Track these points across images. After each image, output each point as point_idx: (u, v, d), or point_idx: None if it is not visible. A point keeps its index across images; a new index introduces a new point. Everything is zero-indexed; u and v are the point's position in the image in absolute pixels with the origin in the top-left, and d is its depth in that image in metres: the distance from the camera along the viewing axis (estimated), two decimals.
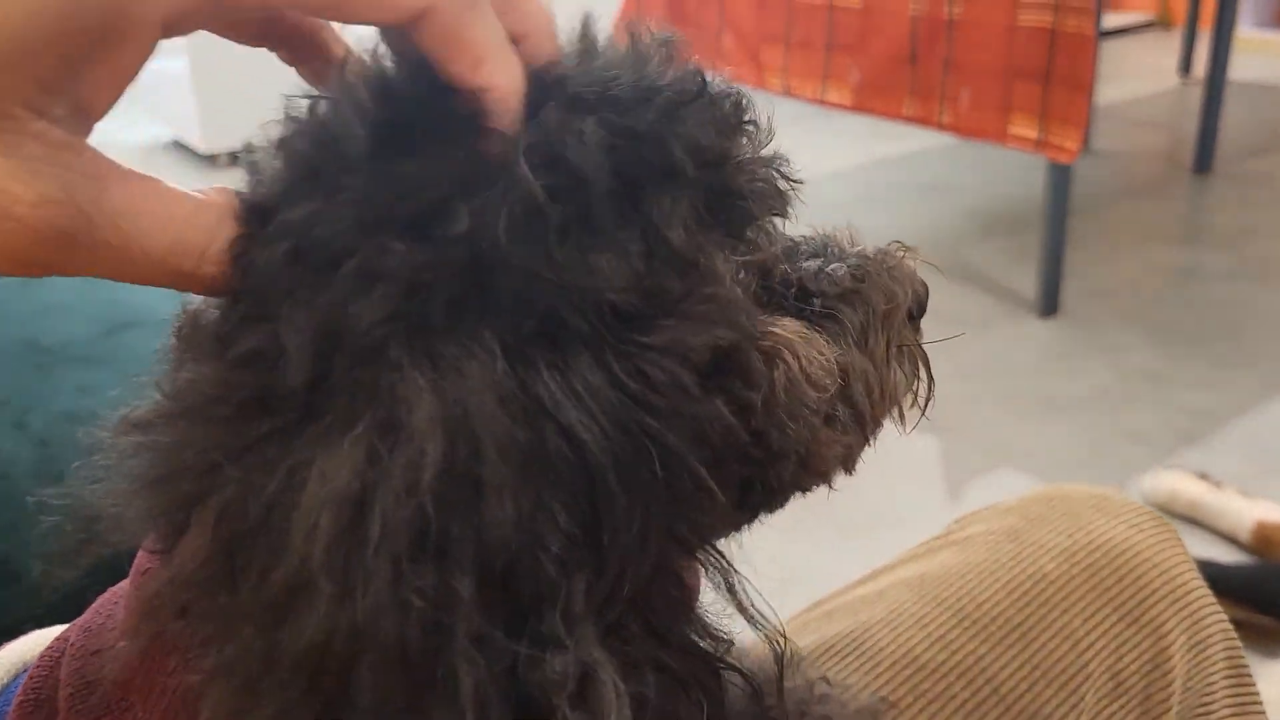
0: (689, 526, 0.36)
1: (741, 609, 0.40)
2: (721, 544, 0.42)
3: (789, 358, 0.40)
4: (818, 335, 0.42)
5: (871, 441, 0.48)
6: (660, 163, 0.36)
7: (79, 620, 0.45)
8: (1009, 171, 3.48)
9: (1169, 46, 5.06)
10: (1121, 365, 2.24)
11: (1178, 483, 1.75)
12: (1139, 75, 4.78)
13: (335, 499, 0.30)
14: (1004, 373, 2.24)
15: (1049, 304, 2.47)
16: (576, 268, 0.34)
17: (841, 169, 3.66)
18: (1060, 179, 2.36)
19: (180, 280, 0.33)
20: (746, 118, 0.41)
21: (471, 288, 0.32)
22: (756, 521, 0.46)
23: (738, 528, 0.45)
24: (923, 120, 2.48)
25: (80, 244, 0.30)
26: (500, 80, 0.35)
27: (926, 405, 0.50)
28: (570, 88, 0.36)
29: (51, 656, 0.44)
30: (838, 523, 1.71)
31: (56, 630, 0.47)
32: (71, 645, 0.43)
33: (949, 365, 2.25)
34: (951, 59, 2.37)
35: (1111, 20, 5.52)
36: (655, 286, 0.35)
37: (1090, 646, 0.63)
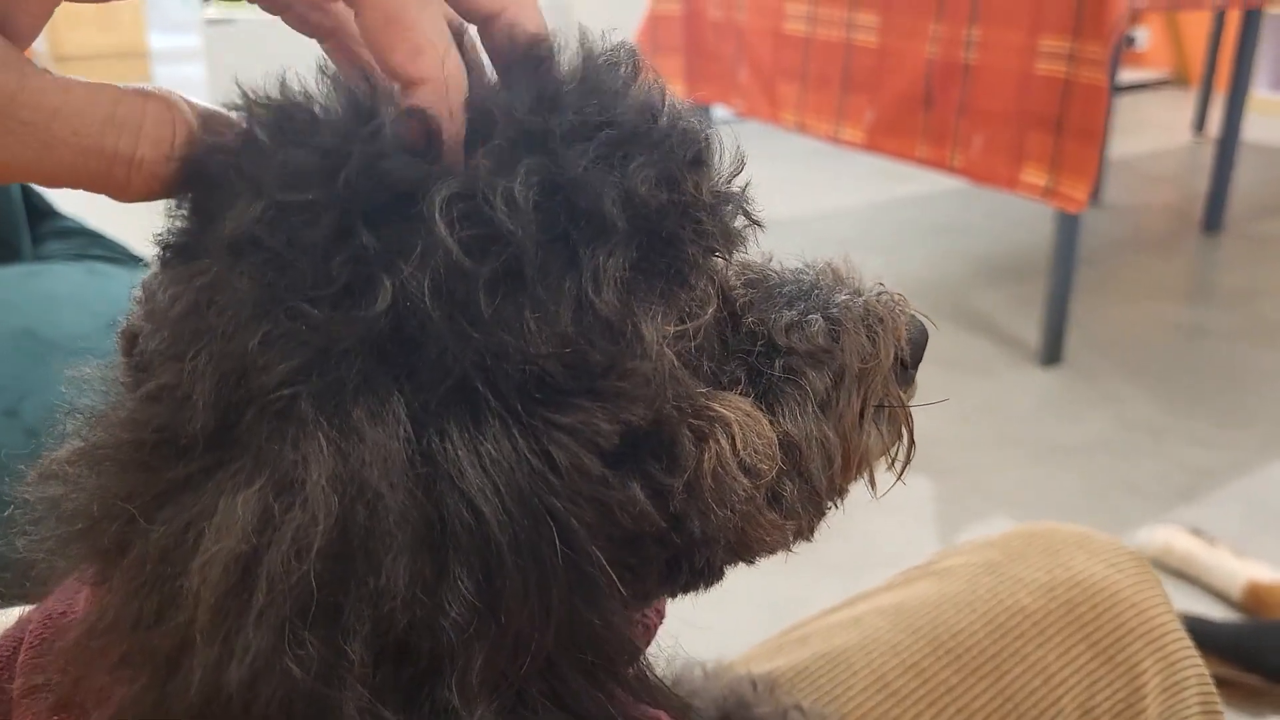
0: (593, 604, 0.34)
1: (648, 690, 0.38)
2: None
3: (721, 441, 0.37)
4: (761, 415, 0.39)
5: (833, 509, 0.45)
6: (592, 215, 0.34)
7: (45, 604, 0.44)
8: (1018, 219, 3.49)
9: (1184, 104, 5.08)
10: (1122, 418, 2.24)
11: (1172, 538, 1.74)
12: (1153, 131, 4.80)
13: (223, 559, 0.30)
14: (1004, 419, 2.23)
15: (1052, 353, 2.47)
16: (498, 332, 0.32)
17: (851, 207, 3.67)
18: (1068, 228, 2.37)
19: (113, 168, 0.32)
20: (698, 154, 0.38)
21: (386, 350, 0.32)
22: (696, 590, 0.44)
23: (674, 595, 0.44)
24: (935, 163, 2.49)
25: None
26: (435, 74, 0.34)
27: (904, 470, 0.48)
28: (509, 123, 0.34)
29: (9, 645, 0.43)
30: (829, 560, 1.71)
31: (17, 611, 0.46)
32: (32, 632, 0.42)
33: (949, 408, 2.24)
34: (966, 103, 2.38)
35: (1128, 76, 5.55)
36: (577, 357, 0.33)
37: (1063, 682, 0.62)
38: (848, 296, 0.45)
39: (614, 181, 0.34)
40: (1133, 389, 2.36)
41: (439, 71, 0.34)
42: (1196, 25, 5.42)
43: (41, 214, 1.08)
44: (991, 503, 1.92)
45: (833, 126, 2.71)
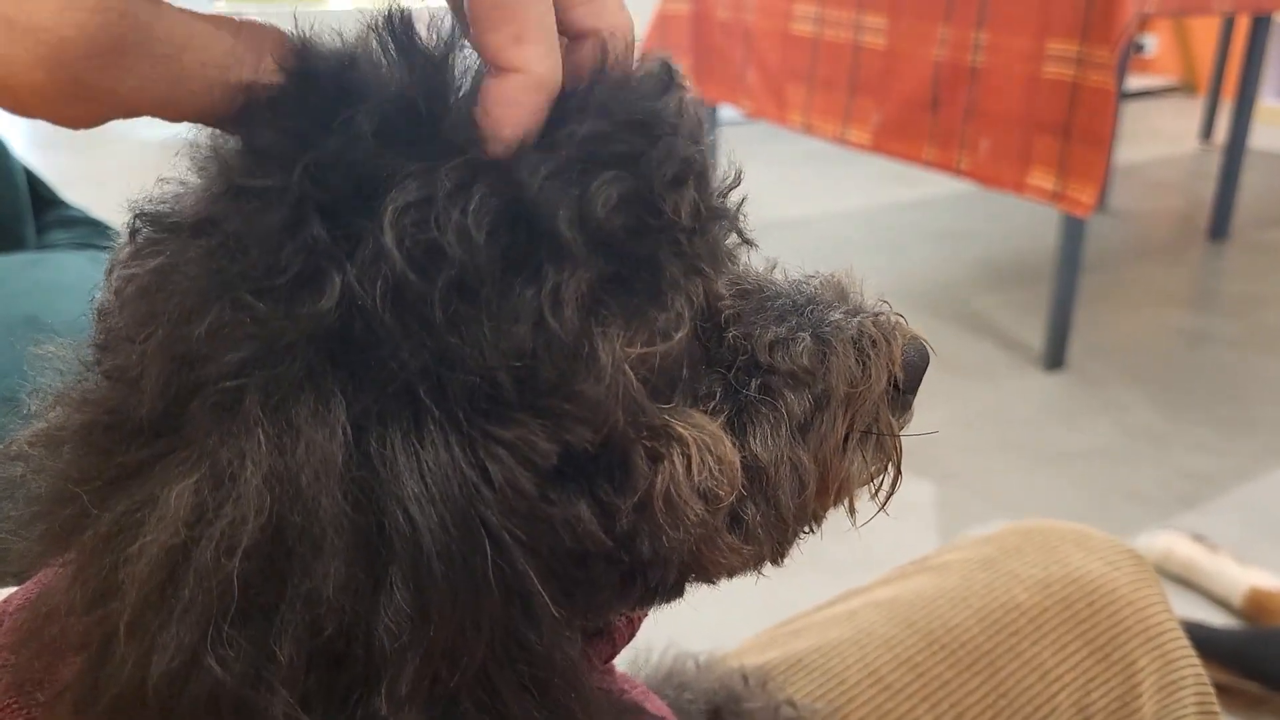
0: (529, 620, 0.34)
1: (586, 710, 0.37)
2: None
3: (676, 463, 0.36)
4: (724, 437, 0.38)
5: (807, 534, 0.44)
6: (550, 235, 0.33)
7: (28, 585, 0.44)
8: (1023, 224, 3.48)
9: (1192, 112, 5.07)
10: (1124, 423, 2.23)
11: (1173, 544, 1.74)
12: (1160, 138, 4.80)
13: (154, 551, 0.30)
14: (1006, 423, 2.23)
15: (1055, 357, 2.47)
16: (450, 338, 0.32)
17: (857, 209, 3.67)
18: (1074, 233, 2.37)
19: (236, 100, 0.32)
20: (679, 174, 0.36)
21: (332, 349, 0.32)
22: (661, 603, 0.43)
23: (632, 610, 0.43)
24: (941, 166, 2.49)
25: (133, 54, 0.29)
26: (536, 67, 0.33)
27: (888, 499, 0.46)
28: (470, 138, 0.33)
29: None
30: (830, 563, 1.70)
31: (5, 593, 0.46)
32: (10, 614, 0.43)
33: (952, 413, 2.24)
34: (973, 106, 2.38)
35: (1136, 83, 5.54)
36: (527, 372, 0.33)
37: (1059, 679, 0.62)
38: (842, 315, 0.43)
39: (570, 201, 0.33)
40: (1135, 395, 2.36)
41: (537, 66, 0.33)
42: (1205, 33, 5.42)
43: (46, 203, 1.08)
44: (993, 507, 1.92)
45: (839, 128, 2.71)
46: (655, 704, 0.51)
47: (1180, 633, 0.68)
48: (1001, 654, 0.62)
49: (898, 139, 2.57)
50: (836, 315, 0.43)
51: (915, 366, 0.44)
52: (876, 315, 0.44)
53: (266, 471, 0.30)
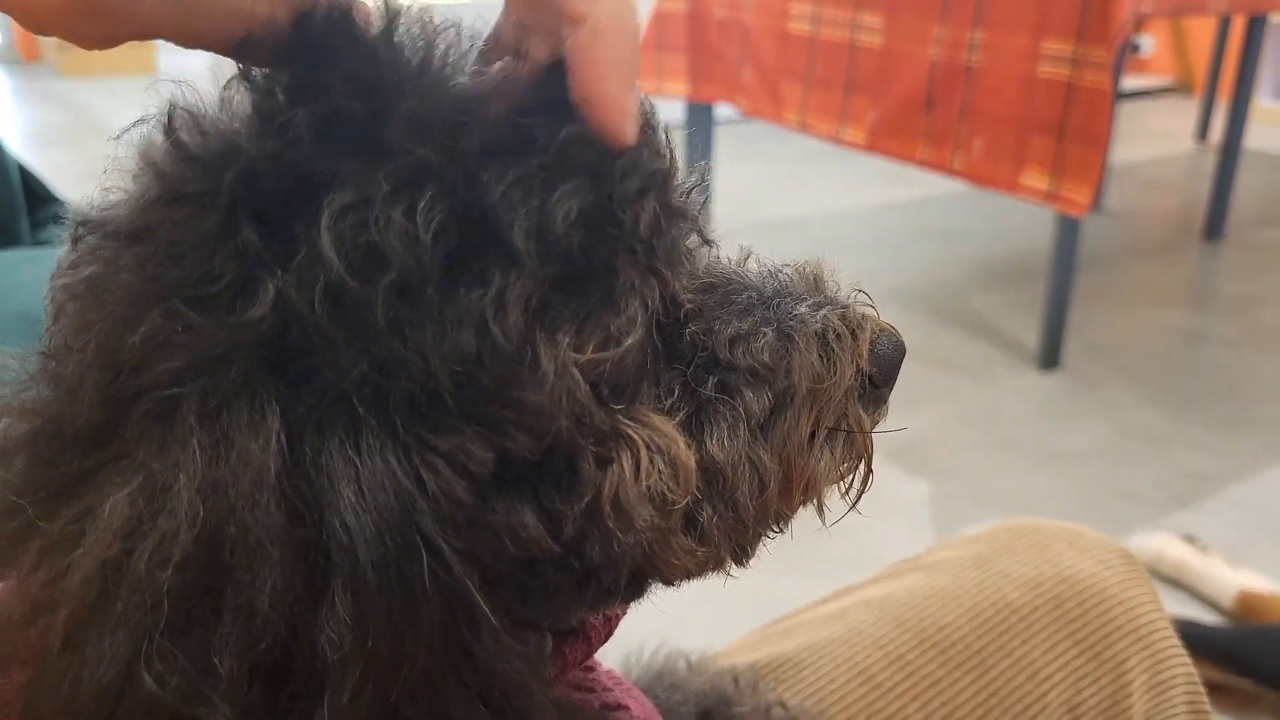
0: (472, 629, 0.33)
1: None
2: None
3: (625, 466, 0.35)
4: (678, 438, 0.36)
5: (773, 535, 0.42)
6: (501, 243, 0.32)
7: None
8: (1018, 223, 3.48)
9: (1187, 112, 5.08)
10: (1119, 423, 2.23)
11: (1165, 546, 1.74)
12: (1156, 138, 4.80)
13: (89, 563, 0.30)
14: (1001, 422, 2.23)
15: (1050, 357, 2.47)
16: (392, 343, 0.31)
17: (852, 209, 3.67)
18: (1069, 232, 2.37)
19: (251, 29, 0.32)
20: (642, 188, 0.35)
21: (267, 357, 0.31)
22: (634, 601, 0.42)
23: (592, 611, 0.42)
24: (936, 165, 2.49)
25: None
26: (598, 11, 0.34)
27: (859, 497, 0.44)
28: (438, 130, 0.33)
29: None
30: (824, 561, 1.70)
31: None
32: None
33: (946, 411, 2.24)
34: (968, 106, 2.38)
35: (1132, 83, 5.55)
36: (468, 379, 0.32)
37: (1049, 678, 0.62)
38: (808, 309, 0.41)
39: (529, 211, 0.32)
40: (1131, 395, 2.36)
41: (596, 7, 0.34)
42: (1201, 33, 5.42)
43: (40, 199, 1.08)
44: (987, 506, 1.92)
45: (835, 127, 2.71)
46: (638, 702, 0.51)
47: (1171, 631, 0.68)
48: (992, 653, 0.63)
49: (893, 138, 2.57)
50: (802, 309, 0.41)
51: (889, 359, 0.43)
52: (845, 308, 0.42)
53: (200, 482, 0.30)
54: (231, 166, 0.32)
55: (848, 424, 0.42)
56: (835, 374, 0.41)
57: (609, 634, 0.46)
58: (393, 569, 0.31)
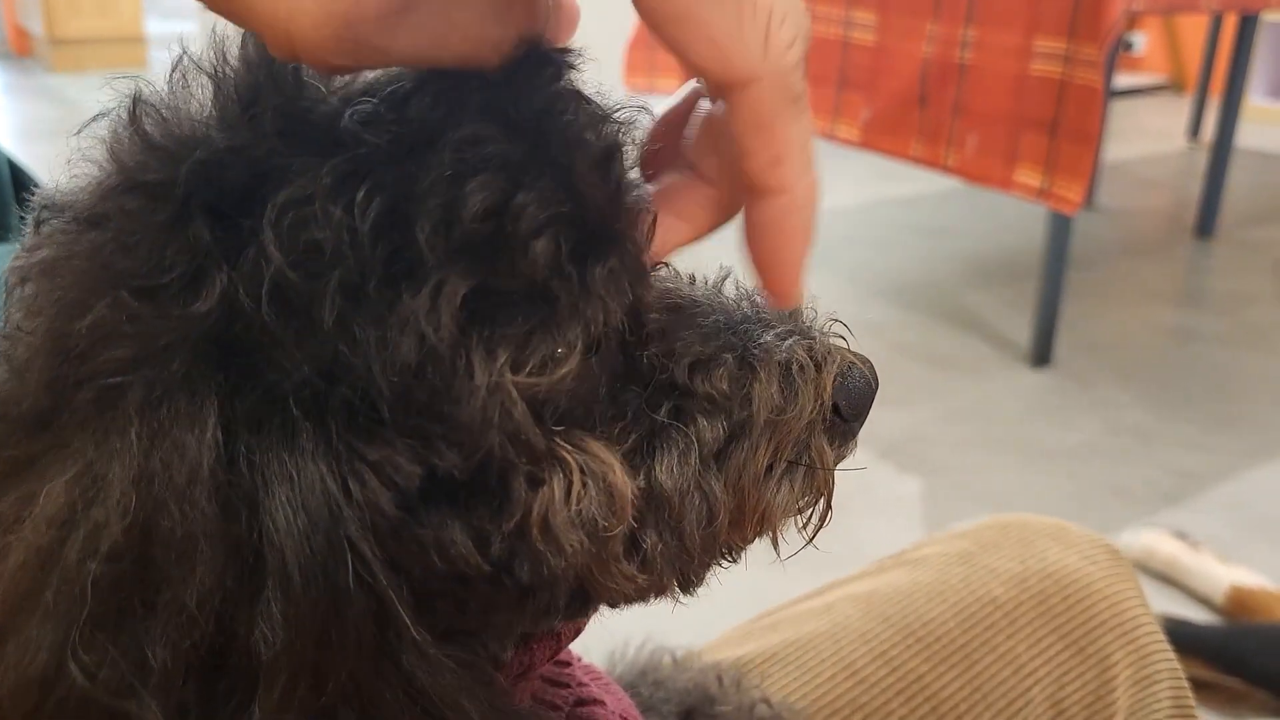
0: (401, 638, 0.33)
1: None
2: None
3: (556, 490, 0.34)
4: (616, 464, 0.35)
5: (724, 565, 0.41)
6: (433, 242, 0.31)
7: None
8: (1010, 221, 3.49)
9: (1179, 110, 5.09)
10: (1110, 420, 2.24)
11: (1155, 542, 1.75)
12: (1148, 136, 4.81)
13: (24, 552, 0.30)
14: (992, 419, 2.24)
15: (1042, 354, 2.47)
16: (336, 345, 0.31)
17: (845, 206, 3.67)
18: (1061, 230, 2.37)
19: (488, 54, 0.32)
20: (539, 228, 0.33)
21: (210, 351, 0.31)
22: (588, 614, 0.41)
23: (535, 627, 0.41)
24: (929, 162, 2.49)
25: (414, 12, 0.30)
26: (796, 187, 0.33)
27: (815, 534, 0.43)
28: (370, 120, 0.32)
29: None
30: (815, 558, 1.71)
31: None
32: None
33: (938, 408, 2.25)
34: (961, 103, 2.38)
35: (1124, 81, 5.55)
36: (403, 389, 0.31)
37: (1033, 673, 0.62)
38: (774, 337, 0.40)
39: (436, 206, 0.31)
40: (1122, 392, 2.36)
41: (796, 185, 0.34)
42: (1193, 31, 5.43)
43: (31, 194, 1.07)
44: (978, 503, 1.92)
45: (828, 124, 2.71)
46: (615, 697, 0.51)
47: (1155, 627, 0.68)
48: (977, 648, 0.63)
49: (886, 135, 2.57)
50: (769, 337, 0.40)
51: (859, 394, 0.41)
52: (814, 339, 0.41)
53: (135, 473, 0.30)
54: (190, 158, 0.32)
55: (809, 458, 0.41)
56: (795, 407, 0.40)
57: (578, 631, 0.45)
58: (318, 571, 0.31)
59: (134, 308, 0.31)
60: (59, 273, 0.32)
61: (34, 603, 0.30)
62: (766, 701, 0.59)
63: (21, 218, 1.05)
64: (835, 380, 0.41)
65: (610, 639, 0.63)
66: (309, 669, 0.31)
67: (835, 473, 0.42)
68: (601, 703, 0.49)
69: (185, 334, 0.31)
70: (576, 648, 0.53)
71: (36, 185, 1.08)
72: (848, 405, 0.41)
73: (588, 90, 0.36)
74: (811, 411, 0.40)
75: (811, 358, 0.40)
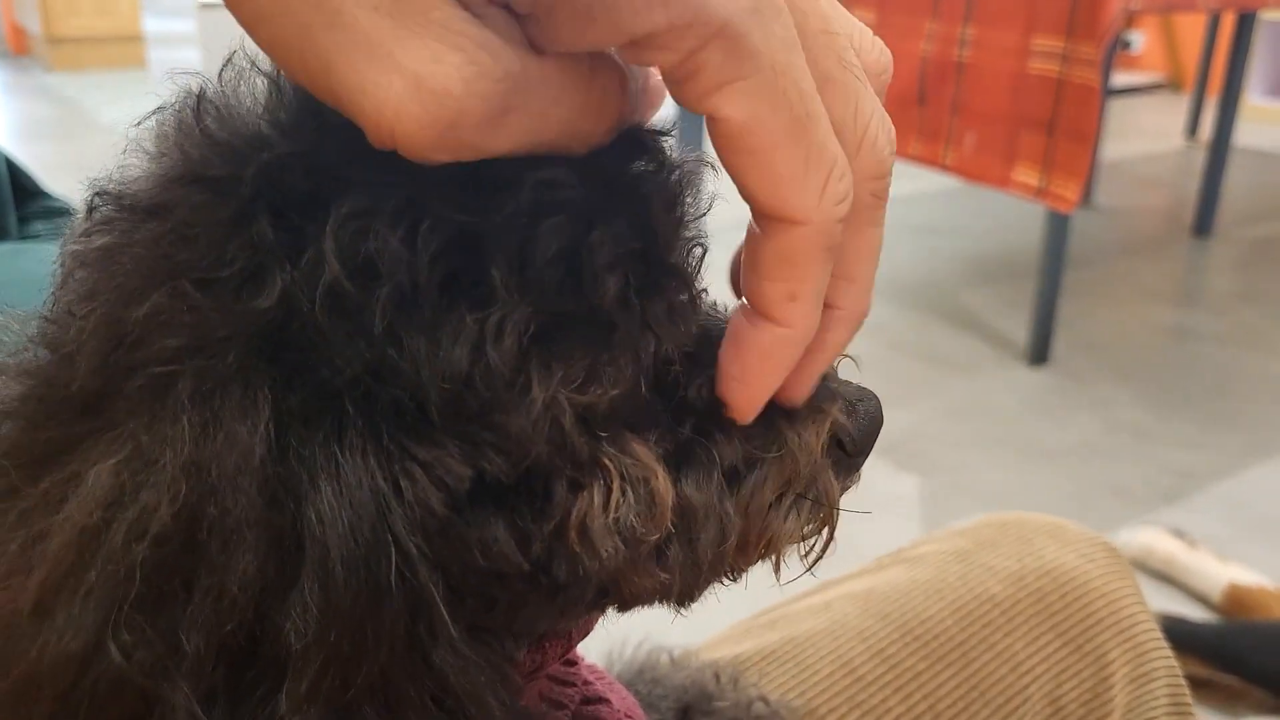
0: (434, 634, 0.33)
1: None
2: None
3: (595, 496, 0.35)
4: (660, 472, 0.36)
5: (724, 583, 0.42)
6: (507, 280, 0.32)
7: None
8: (1008, 219, 3.49)
9: (1178, 109, 5.09)
10: (1108, 419, 2.24)
11: (1153, 540, 1.75)
12: (1146, 135, 4.82)
13: (70, 530, 0.30)
14: (990, 418, 2.24)
15: (1039, 353, 2.48)
16: (386, 348, 0.32)
17: None
18: (1059, 228, 2.37)
19: (578, 146, 0.33)
20: (614, 262, 0.34)
21: (266, 347, 0.31)
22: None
23: (555, 624, 0.42)
24: (927, 160, 2.50)
25: (514, 115, 0.30)
26: (799, 326, 0.34)
27: (816, 562, 0.43)
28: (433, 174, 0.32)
29: None
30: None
31: None
32: None
33: (936, 406, 2.25)
34: (959, 102, 2.38)
35: (1122, 79, 5.56)
36: (455, 396, 0.32)
37: (1031, 671, 0.63)
38: None
39: (512, 245, 0.32)
40: (1120, 391, 2.37)
41: (800, 325, 0.34)
42: (1191, 30, 5.43)
43: (28, 193, 1.07)
44: (976, 501, 1.93)
45: None
46: (619, 696, 0.51)
47: (1153, 625, 0.68)
48: (974, 645, 0.63)
49: None
50: None
51: (864, 431, 0.42)
52: (824, 380, 0.41)
53: (186, 459, 0.30)
54: (257, 157, 0.32)
55: (816, 492, 0.41)
56: (803, 443, 0.40)
57: (589, 630, 0.46)
58: (360, 565, 0.31)
59: (193, 298, 0.31)
60: (116, 259, 0.32)
61: (77, 582, 0.30)
62: (764, 699, 0.59)
63: (20, 217, 1.04)
64: (839, 422, 0.41)
65: (608, 638, 0.63)
66: (340, 662, 0.31)
67: (839, 507, 0.43)
68: (607, 701, 0.49)
69: (243, 328, 0.31)
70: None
71: (35, 185, 1.08)
72: (854, 442, 0.42)
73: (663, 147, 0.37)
74: (819, 449, 0.41)
75: (816, 400, 0.41)
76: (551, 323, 0.33)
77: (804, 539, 0.42)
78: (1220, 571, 1.67)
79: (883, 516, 1.87)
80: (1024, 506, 1.99)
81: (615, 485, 0.35)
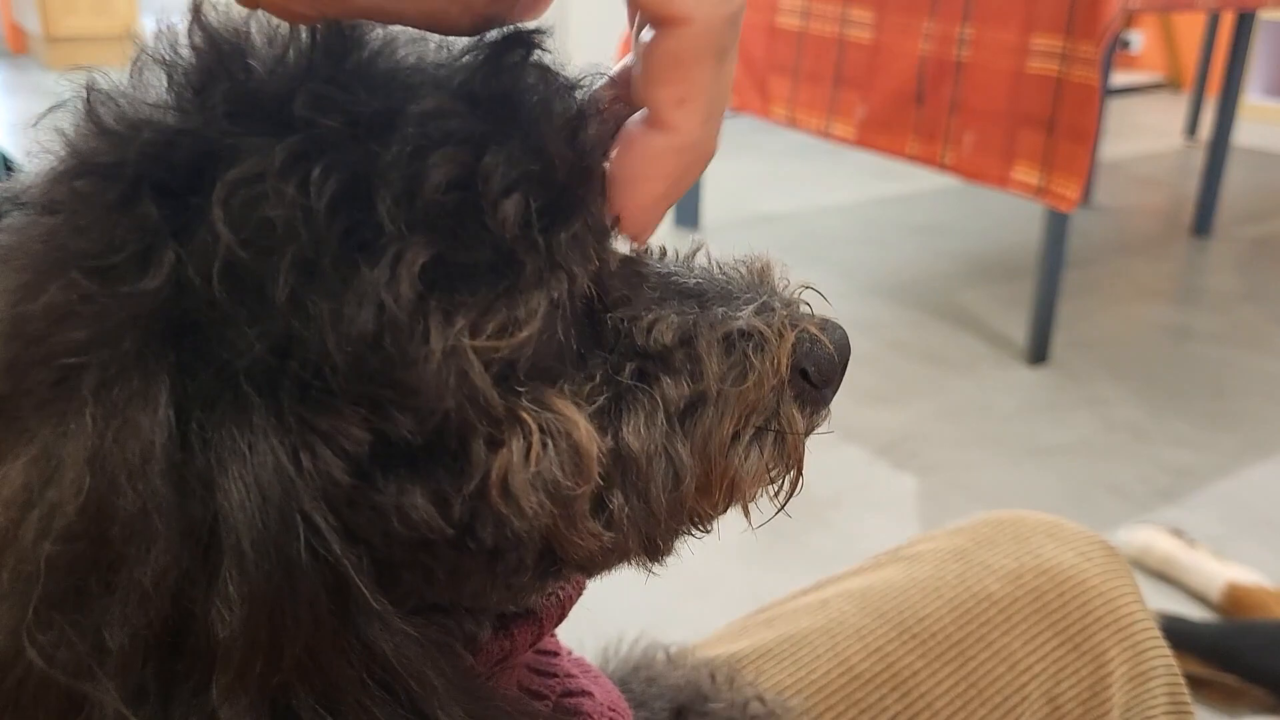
0: (363, 612, 0.33)
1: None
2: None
3: (515, 451, 0.34)
4: (582, 423, 0.35)
5: (693, 533, 0.41)
6: (394, 214, 0.31)
7: None
8: (1007, 219, 3.49)
9: (1177, 108, 5.09)
10: (1106, 418, 2.24)
11: (1152, 538, 1.75)
12: (1145, 134, 4.82)
13: None
14: (988, 417, 2.24)
15: (1038, 352, 2.47)
16: (290, 320, 0.31)
17: (842, 204, 3.67)
18: (1058, 228, 2.37)
19: (455, 14, 0.34)
20: (512, 186, 0.33)
21: (163, 330, 0.31)
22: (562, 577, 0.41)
23: (509, 595, 0.41)
24: (926, 160, 2.49)
25: None
26: (690, 132, 0.34)
27: (787, 501, 0.42)
28: (321, 103, 0.32)
29: None
30: (811, 555, 1.71)
31: None
32: None
33: (934, 405, 2.25)
34: (958, 101, 2.38)
35: (1122, 79, 5.56)
36: (356, 358, 0.31)
37: (1029, 669, 0.62)
38: (734, 307, 0.40)
39: (398, 179, 0.32)
40: (1117, 390, 2.36)
41: (691, 132, 0.35)
42: (1190, 30, 5.43)
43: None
44: (974, 500, 1.92)
45: (824, 122, 2.71)
46: (603, 689, 0.51)
47: (1151, 623, 0.68)
48: (972, 644, 0.63)
49: (882, 133, 2.57)
50: (727, 307, 0.40)
51: (827, 360, 0.41)
52: (775, 309, 0.41)
53: (89, 453, 0.30)
54: (139, 139, 0.32)
55: (778, 424, 0.40)
56: (753, 375, 0.39)
57: (562, 616, 0.45)
58: (271, 546, 0.31)
59: (86, 287, 0.31)
60: (15, 258, 0.32)
61: None
62: (760, 698, 0.59)
63: None
64: (801, 347, 0.41)
65: (604, 634, 0.63)
66: (265, 646, 0.31)
67: (805, 439, 0.42)
68: (589, 694, 0.48)
69: (136, 312, 0.31)
70: (569, 641, 0.53)
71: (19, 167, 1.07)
72: (818, 371, 0.41)
73: (552, 63, 0.36)
74: (772, 379, 0.40)
75: (771, 327, 0.40)
76: (454, 268, 0.32)
77: (770, 479, 0.41)
78: (1219, 570, 1.67)
79: (880, 514, 1.87)
80: (1022, 505, 1.99)
81: (535, 439, 0.34)
